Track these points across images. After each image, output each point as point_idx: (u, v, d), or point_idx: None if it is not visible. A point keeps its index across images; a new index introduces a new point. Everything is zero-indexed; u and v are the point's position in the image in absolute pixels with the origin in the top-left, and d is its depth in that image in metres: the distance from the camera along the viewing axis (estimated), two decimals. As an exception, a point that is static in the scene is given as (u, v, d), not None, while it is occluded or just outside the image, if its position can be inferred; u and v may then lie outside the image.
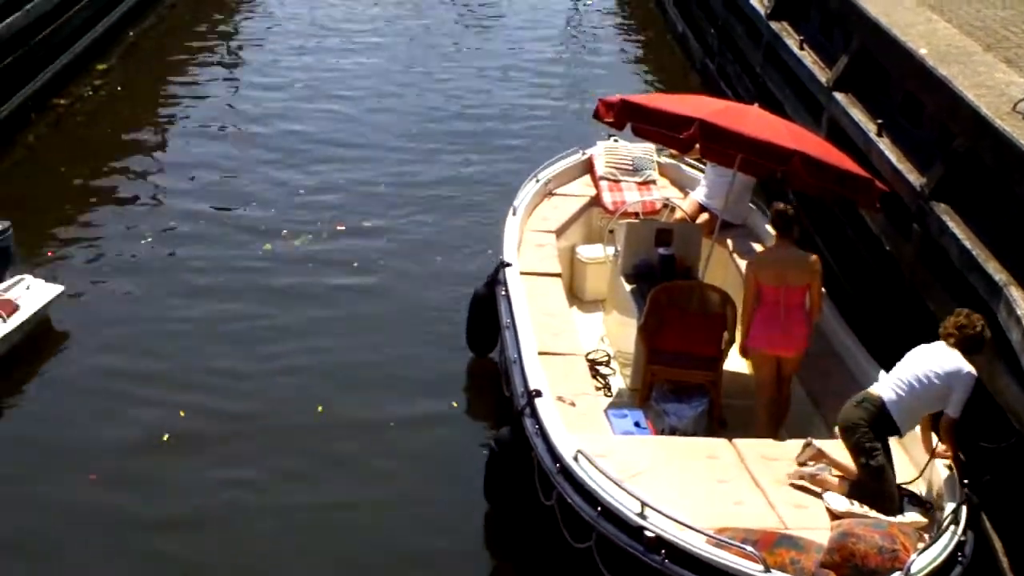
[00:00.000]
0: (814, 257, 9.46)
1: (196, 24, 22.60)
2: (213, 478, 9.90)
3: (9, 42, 17.05)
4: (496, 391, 10.53)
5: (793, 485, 8.07)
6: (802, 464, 8.22)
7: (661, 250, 10.77)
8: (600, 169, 12.42)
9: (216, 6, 23.85)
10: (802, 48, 14.40)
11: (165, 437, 10.39)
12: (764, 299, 9.31)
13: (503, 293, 10.47)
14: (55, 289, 12.06)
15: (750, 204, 11.96)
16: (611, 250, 11.33)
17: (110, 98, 18.75)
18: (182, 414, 10.71)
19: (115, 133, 17.46)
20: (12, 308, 11.37)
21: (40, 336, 11.85)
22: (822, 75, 13.37)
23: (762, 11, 16.07)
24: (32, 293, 11.80)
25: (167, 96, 18.97)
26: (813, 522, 7.64)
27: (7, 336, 11.17)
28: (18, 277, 11.96)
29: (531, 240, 11.41)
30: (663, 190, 12.44)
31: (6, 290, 11.65)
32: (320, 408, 10.86)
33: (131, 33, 21.59)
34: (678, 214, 11.87)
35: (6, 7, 17.03)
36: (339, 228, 14.33)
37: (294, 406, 10.88)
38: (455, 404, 11.06)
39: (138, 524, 9.33)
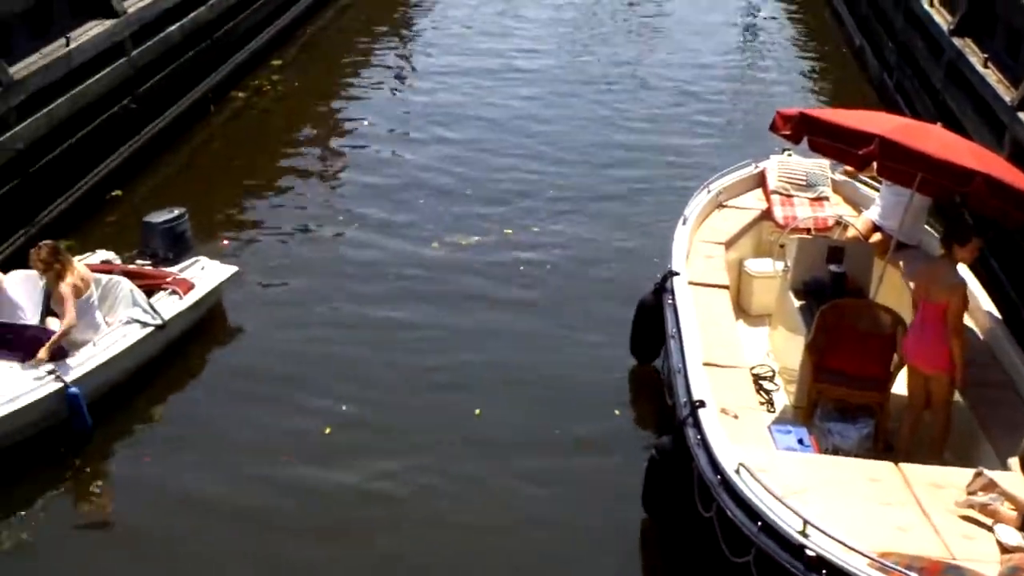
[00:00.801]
0: (959, 279, 9.24)
1: (370, 24, 23.09)
2: (362, 484, 9.97)
3: (193, 35, 17.68)
4: (658, 400, 10.50)
5: (962, 515, 7.86)
6: (972, 493, 8.00)
7: (832, 267, 10.61)
8: (772, 183, 12.29)
9: (390, 8, 24.30)
10: (986, 66, 14.03)
11: (327, 430, 10.63)
12: (916, 309, 9.27)
13: (670, 302, 10.44)
14: (229, 270, 12.49)
15: (925, 226, 11.69)
16: (780, 265, 11.20)
17: (285, 93, 19.30)
18: (343, 408, 10.93)
19: (289, 127, 17.96)
20: (188, 286, 11.81)
21: (212, 319, 12.26)
22: (1007, 94, 13.02)
23: (945, 27, 15.72)
24: (207, 273, 12.24)
25: (339, 93, 19.44)
26: (982, 554, 7.41)
27: (183, 313, 11.60)
28: (194, 258, 12.41)
29: (700, 251, 11.36)
30: (836, 207, 12.24)
31: (182, 270, 12.10)
32: (478, 412, 10.97)
33: (307, 30, 22.15)
34: (851, 232, 11.65)
35: (192, 2, 17.66)
36: (506, 232, 14.45)
37: (453, 410, 10.97)
38: (617, 412, 11.04)
39: (279, 526, 9.43)
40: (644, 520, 9.40)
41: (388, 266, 13.64)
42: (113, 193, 15.03)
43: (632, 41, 22.33)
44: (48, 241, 10.95)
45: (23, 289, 10.97)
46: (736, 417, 8.93)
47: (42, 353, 10.15)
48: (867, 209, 11.99)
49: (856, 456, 8.99)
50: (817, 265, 10.68)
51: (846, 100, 18.86)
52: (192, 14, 17.67)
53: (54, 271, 10.52)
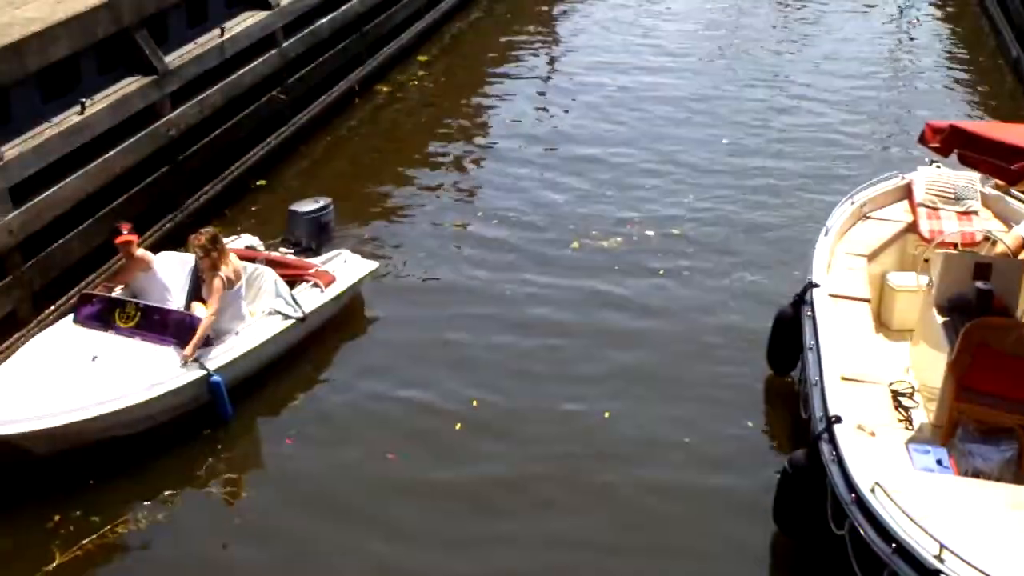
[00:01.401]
0: None
1: (514, 23, 23.21)
2: (482, 490, 10.01)
3: (343, 29, 17.98)
4: (794, 413, 10.36)
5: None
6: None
7: (979, 284, 10.30)
8: (919, 195, 12.00)
9: (536, 7, 24.38)
10: None
11: (457, 426, 10.72)
12: None
13: (809, 314, 10.28)
14: (370, 265, 12.63)
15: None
16: (924, 279, 10.92)
17: (429, 89, 19.47)
18: (473, 407, 11.00)
19: (430, 123, 18.11)
20: (330, 279, 11.97)
21: (350, 312, 12.43)
22: None
23: (1108, 40, 15.24)
24: (348, 267, 12.39)
25: (481, 92, 19.53)
26: None
27: (323, 307, 11.78)
28: (336, 251, 12.59)
29: (841, 262, 11.16)
30: (985, 222, 11.89)
31: (325, 263, 12.28)
32: (607, 414, 10.95)
33: (453, 27, 22.33)
34: (999, 248, 11.31)
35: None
36: (648, 234, 14.39)
37: (583, 416, 10.95)
38: (750, 423, 10.91)
39: (396, 527, 9.49)
40: (775, 534, 9.27)
41: (526, 265, 13.68)
42: (258, 183, 15.35)
43: (778, 47, 21.97)
44: (209, 229, 11.22)
45: (172, 272, 11.26)
46: (873, 434, 8.75)
47: (188, 350, 10.38)
48: (1018, 224, 11.66)
49: (998, 480, 8.74)
50: (963, 281, 10.38)
51: (1001, 113, 18.42)
52: (343, 7, 17.97)
53: (210, 259, 10.77)
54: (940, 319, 10.27)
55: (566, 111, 18.48)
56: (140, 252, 11.17)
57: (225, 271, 10.80)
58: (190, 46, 14.30)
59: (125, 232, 10.95)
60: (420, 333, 12.20)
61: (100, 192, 12.37)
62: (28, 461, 9.64)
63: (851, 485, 7.96)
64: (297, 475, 10.10)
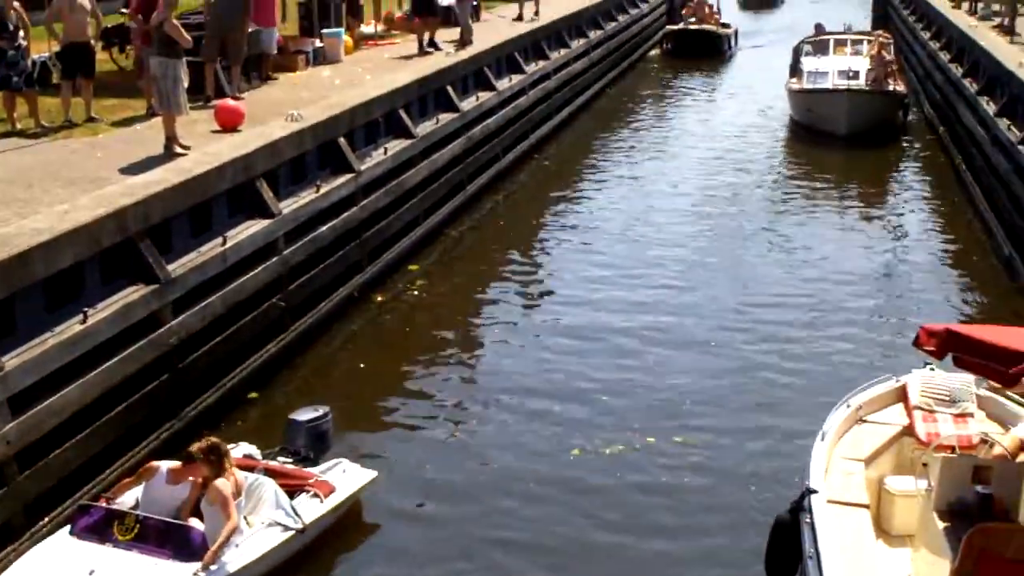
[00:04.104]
0: None
1: (510, 229, 23.65)
2: None
3: (344, 235, 18.32)
4: (794, 623, 10.20)
5: None
6: None
7: (979, 488, 10.26)
8: (915, 398, 12.02)
9: (533, 207, 24.90)
10: None
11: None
12: None
13: (807, 521, 10.17)
14: (369, 474, 12.56)
15: (1079, 445, 11.30)
16: (923, 484, 10.85)
17: (427, 297, 19.61)
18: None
19: (428, 330, 18.19)
20: (329, 489, 11.90)
21: (349, 521, 12.32)
22: None
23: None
24: (348, 476, 12.32)
25: (479, 300, 19.72)
26: None
27: (322, 517, 11.67)
28: (335, 460, 12.55)
29: (839, 467, 11.09)
30: (981, 424, 11.88)
31: (324, 472, 12.23)
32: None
33: (450, 234, 22.73)
34: (997, 450, 11.29)
35: (343, 204, 18.35)
36: (648, 440, 14.36)
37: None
38: (749, 633, 10.74)
39: None
40: None
41: (525, 475, 13.56)
42: (257, 390, 15.39)
43: (770, 253, 22.07)
44: (213, 438, 11.21)
45: (169, 482, 11.20)
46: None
47: (207, 557, 10.24)
48: (1015, 426, 11.65)
49: None
50: (963, 485, 10.31)
51: (995, 313, 18.55)
52: (344, 215, 18.34)
53: (215, 468, 10.72)
54: (941, 524, 10.16)
55: (560, 320, 18.56)
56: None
57: (230, 480, 10.76)
58: (193, 254, 14.56)
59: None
60: (416, 549, 12.03)
61: (100, 400, 12.42)
62: None
63: None
64: None
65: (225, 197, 15.68)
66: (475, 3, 31.48)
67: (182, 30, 16.54)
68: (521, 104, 29.03)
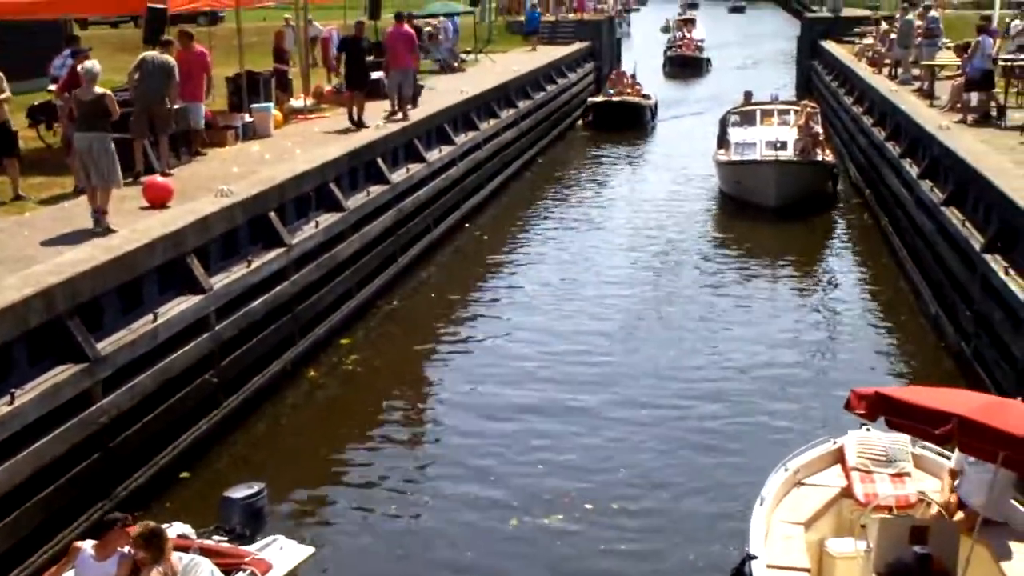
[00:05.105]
0: None
1: (442, 301, 23.55)
2: None
3: (276, 310, 18.19)
4: None
5: None
6: None
7: (916, 548, 10.33)
8: (852, 459, 12.13)
9: (465, 278, 24.91)
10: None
11: None
12: None
13: (749, 587, 10.20)
14: (306, 551, 12.33)
15: (1012, 501, 11.41)
16: (863, 545, 10.90)
17: (359, 371, 19.41)
18: None
19: (362, 406, 17.98)
20: (266, 567, 11.64)
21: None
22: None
23: (1023, 296, 15.75)
24: (285, 554, 12.08)
25: (412, 371, 19.58)
26: None
27: (259, 597, 11.44)
28: (272, 537, 12.32)
29: (779, 532, 11.12)
30: (918, 483, 12.00)
31: (260, 550, 12.00)
32: None
33: (384, 306, 22.66)
34: (934, 509, 11.40)
35: (275, 278, 18.24)
36: (587, 507, 14.29)
37: None
38: None
39: None
40: None
41: (463, 544, 13.45)
42: (190, 468, 15.15)
43: (706, 320, 22.03)
44: (149, 522, 10.93)
45: (97, 559, 10.93)
46: None
47: None
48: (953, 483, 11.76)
49: None
50: (901, 545, 10.39)
51: (924, 371, 18.78)
52: (276, 289, 18.23)
53: (148, 553, 10.46)
54: (881, 585, 10.24)
55: (497, 387, 18.49)
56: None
57: (164, 567, 10.52)
58: (123, 332, 14.37)
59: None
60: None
61: (28, 482, 12.17)
62: None
63: None
64: None
65: (155, 274, 15.53)
66: (420, 84, 31.16)
67: (115, 102, 16.61)
68: (452, 175, 29.16)
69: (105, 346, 13.82)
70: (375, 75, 29.01)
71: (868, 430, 12.36)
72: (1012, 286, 16.34)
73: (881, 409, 10.12)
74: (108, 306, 14.40)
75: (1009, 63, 28.05)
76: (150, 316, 14.89)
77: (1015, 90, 28.47)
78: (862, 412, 10.26)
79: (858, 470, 12.02)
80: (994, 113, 26.54)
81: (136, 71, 20.18)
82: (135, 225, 16.22)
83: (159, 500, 14.24)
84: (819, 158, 31.47)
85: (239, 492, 12.53)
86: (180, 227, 16.22)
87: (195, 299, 15.86)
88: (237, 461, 15.69)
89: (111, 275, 14.40)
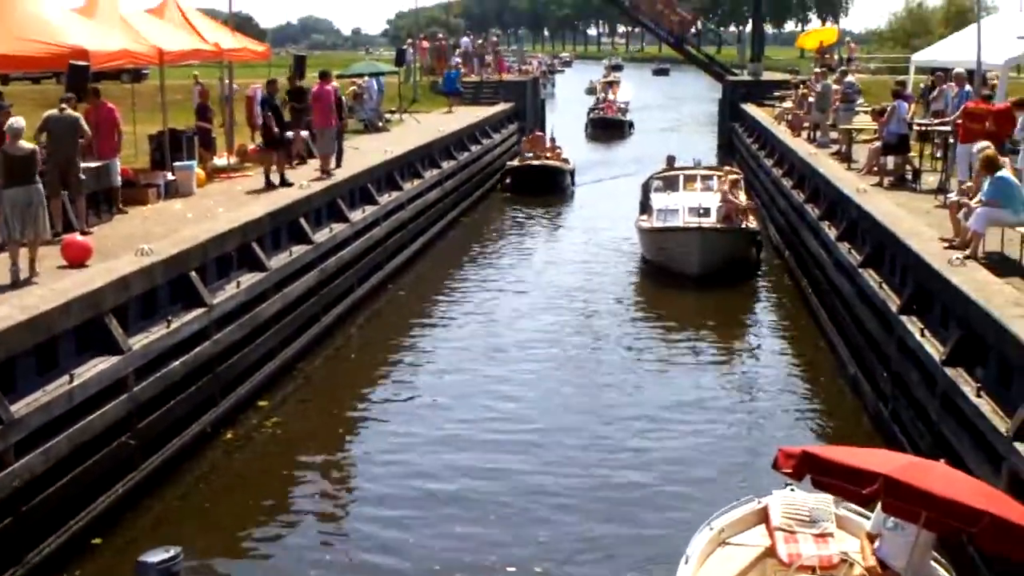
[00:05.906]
0: None
1: (363, 362, 23.40)
2: None
3: (196, 370, 17.92)
4: None
5: None
6: None
7: (840, 608, 10.35)
8: (776, 519, 12.13)
9: (387, 340, 24.76)
10: (979, 396, 14.15)
11: None
12: None
13: (675, 648, 10.12)
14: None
15: (932, 562, 11.47)
16: (787, 605, 10.93)
17: (279, 433, 19.14)
18: None
19: (281, 470, 17.65)
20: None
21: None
22: (1002, 425, 13.06)
23: (937, 357, 15.95)
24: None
25: (337, 432, 19.33)
26: None
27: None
28: (190, 605, 12.11)
29: (703, 592, 11.11)
30: (841, 543, 12.02)
31: (182, 618, 11.79)
32: None
33: (306, 367, 22.43)
34: (857, 570, 11.41)
35: (195, 338, 17.98)
36: (509, 570, 14.16)
37: None
38: None
39: None
40: None
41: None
42: (94, 541, 14.75)
43: (628, 385, 21.89)
44: None
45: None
46: None
47: None
48: (874, 544, 11.78)
49: None
50: (825, 606, 10.42)
51: (842, 431, 18.94)
52: (196, 349, 17.97)
53: None
54: (805, 647, 10.23)
55: (411, 457, 18.13)
56: None
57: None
58: (38, 393, 14.07)
59: None
60: None
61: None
62: None
63: None
64: None
65: (72, 334, 15.25)
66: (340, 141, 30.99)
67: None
68: (375, 235, 29.09)
69: (19, 408, 13.52)
70: (289, 133, 28.77)
71: (792, 490, 12.39)
72: (927, 347, 16.55)
73: (808, 468, 10.16)
74: (22, 367, 14.09)
75: (924, 127, 28.63)
76: (66, 377, 14.61)
77: (929, 153, 29.05)
78: (789, 471, 10.30)
79: (782, 530, 12.02)
80: (909, 176, 27.08)
81: (41, 131, 19.85)
82: (52, 284, 15.94)
83: (70, 567, 13.89)
84: (743, 225, 31.03)
85: (155, 556, 12.32)
86: (98, 286, 15.96)
87: (113, 360, 15.58)
88: (154, 525, 15.35)
89: (26, 335, 14.11)
